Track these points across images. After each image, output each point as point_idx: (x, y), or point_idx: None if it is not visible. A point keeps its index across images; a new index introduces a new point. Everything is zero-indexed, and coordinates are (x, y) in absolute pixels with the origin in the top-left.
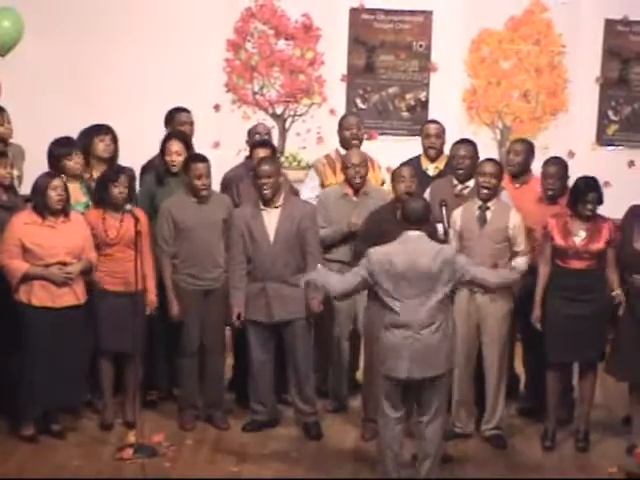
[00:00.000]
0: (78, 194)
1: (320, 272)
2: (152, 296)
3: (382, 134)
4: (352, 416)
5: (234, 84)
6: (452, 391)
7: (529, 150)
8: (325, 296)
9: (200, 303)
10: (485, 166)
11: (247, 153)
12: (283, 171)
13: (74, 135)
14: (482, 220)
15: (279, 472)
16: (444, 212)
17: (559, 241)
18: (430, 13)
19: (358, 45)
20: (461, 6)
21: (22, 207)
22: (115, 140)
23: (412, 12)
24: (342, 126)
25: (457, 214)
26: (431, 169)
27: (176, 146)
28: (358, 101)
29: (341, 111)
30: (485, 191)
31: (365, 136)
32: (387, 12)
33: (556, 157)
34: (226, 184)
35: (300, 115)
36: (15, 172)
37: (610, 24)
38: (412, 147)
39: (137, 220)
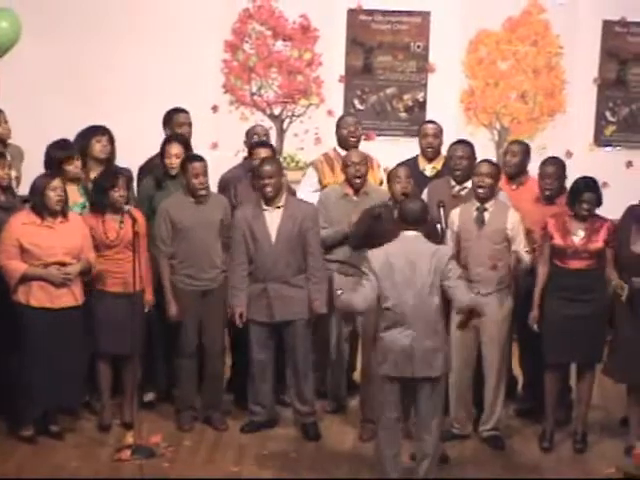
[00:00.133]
0: (75, 195)
1: (341, 298)
2: (149, 295)
3: (380, 135)
4: (350, 417)
5: (232, 85)
6: (450, 391)
7: (526, 151)
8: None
9: (198, 304)
10: (480, 167)
11: (245, 154)
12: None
13: (73, 136)
14: (480, 221)
15: (278, 473)
16: (442, 213)
17: (558, 240)
18: (428, 14)
19: (356, 46)
20: (459, 7)
21: (20, 208)
22: (112, 141)
23: (410, 13)
24: (340, 125)
25: (455, 215)
26: (428, 169)
27: (176, 149)
28: (356, 102)
29: (339, 112)
30: (480, 190)
31: (363, 137)
32: (385, 13)
33: (554, 157)
34: (224, 185)
35: (298, 116)
36: (13, 173)
37: (608, 25)
38: (410, 148)
39: (135, 221)
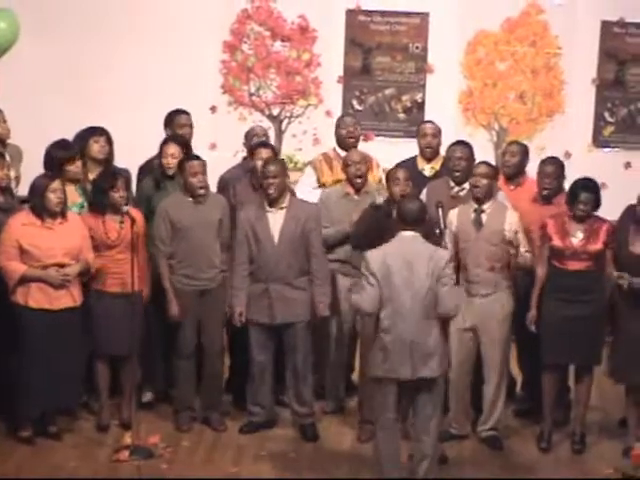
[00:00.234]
0: (74, 195)
1: (352, 299)
2: (145, 290)
3: (378, 135)
4: (349, 417)
5: (230, 86)
6: (449, 392)
7: (524, 152)
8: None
9: (196, 304)
10: (476, 167)
11: (244, 154)
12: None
13: (72, 136)
14: (478, 223)
15: (277, 473)
16: (440, 213)
17: (557, 242)
18: (426, 15)
19: (354, 47)
20: (457, 8)
21: (19, 208)
22: (110, 142)
23: (408, 14)
24: (339, 126)
25: (453, 216)
26: (427, 169)
27: (172, 149)
28: (354, 102)
29: (337, 112)
30: (475, 190)
31: (362, 137)
32: (383, 14)
33: (553, 157)
34: (223, 185)
35: (296, 116)
36: (12, 173)
37: (606, 26)
38: (408, 148)
39: (133, 221)
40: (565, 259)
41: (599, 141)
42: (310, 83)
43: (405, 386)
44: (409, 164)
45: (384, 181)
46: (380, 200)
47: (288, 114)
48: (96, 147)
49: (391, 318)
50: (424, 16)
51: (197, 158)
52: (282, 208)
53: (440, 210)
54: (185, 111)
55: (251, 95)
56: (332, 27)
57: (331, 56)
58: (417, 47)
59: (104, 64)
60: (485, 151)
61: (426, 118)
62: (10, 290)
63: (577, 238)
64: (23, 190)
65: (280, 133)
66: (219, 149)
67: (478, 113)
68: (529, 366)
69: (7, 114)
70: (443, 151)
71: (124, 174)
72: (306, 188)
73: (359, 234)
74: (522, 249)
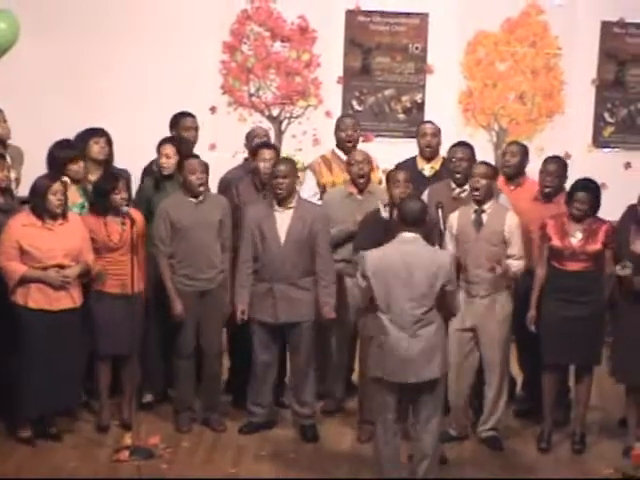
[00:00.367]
0: (74, 195)
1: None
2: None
3: (378, 136)
4: (349, 418)
5: (230, 86)
6: (448, 393)
7: (524, 152)
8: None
9: (196, 304)
10: (475, 168)
11: (244, 155)
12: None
13: (72, 136)
14: (478, 223)
15: (277, 473)
16: (440, 214)
17: (556, 242)
18: (426, 15)
19: (354, 47)
20: (457, 8)
21: (19, 209)
22: (110, 143)
23: (408, 14)
24: (338, 127)
25: (454, 218)
26: (427, 169)
27: (167, 149)
28: (354, 103)
29: (337, 113)
30: (474, 192)
31: (361, 138)
32: (383, 14)
33: (556, 156)
34: (225, 185)
35: (296, 117)
36: (13, 175)
37: (606, 26)
38: (408, 149)
39: (133, 221)
40: (564, 260)
41: (599, 141)
42: (310, 84)
43: (405, 387)
44: (409, 164)
45: (384, 183)
46: (386, 214)
47: (288, 115)
48: (96, 148)
49: (390, 319)
50: (424, 16)
51: (194, 156)
52: (290, 208)
53: (440, 211)
54: (191, 114)
55: (251, 96)
56: (332, 27)
57: (331, 56)
58: (417, 47)
59: (104, 64)
60: (485, 152)
61: (426, 119)
62: (10, 291)
63: (576, 238)
64: (23, 190)
65: (280, 134)
66: (219, 150)
67: (478, 113)
68: (529, 366)
69: (7, 114)
70: (443, 151)
71: (124, 175)
72: (306, 192)
73: (361, 247)
74: (512, 260)
